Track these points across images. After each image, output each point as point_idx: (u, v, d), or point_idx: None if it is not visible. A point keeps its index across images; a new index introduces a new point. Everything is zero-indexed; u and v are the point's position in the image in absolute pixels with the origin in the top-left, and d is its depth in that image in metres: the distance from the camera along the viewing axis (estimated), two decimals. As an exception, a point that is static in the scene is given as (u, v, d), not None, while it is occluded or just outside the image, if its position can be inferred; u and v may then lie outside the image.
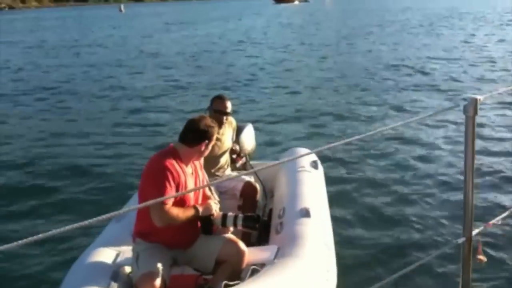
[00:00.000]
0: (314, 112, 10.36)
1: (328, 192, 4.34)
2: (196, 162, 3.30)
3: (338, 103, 11.11)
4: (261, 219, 3.33)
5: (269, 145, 7.97)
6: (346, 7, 62.67)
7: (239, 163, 4.44)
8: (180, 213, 3.04)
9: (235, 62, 18.71)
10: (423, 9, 46.77)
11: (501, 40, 21.20)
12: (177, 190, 2.98)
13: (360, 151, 7.49)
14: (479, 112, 2.04)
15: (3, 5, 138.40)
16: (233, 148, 4.39)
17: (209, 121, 3.22)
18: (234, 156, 4.41)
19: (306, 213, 3.52)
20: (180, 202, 3.10)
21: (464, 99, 2.03)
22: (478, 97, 2.02)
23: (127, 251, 3.29)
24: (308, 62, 17.87)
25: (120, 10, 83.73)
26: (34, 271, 4.59)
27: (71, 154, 8.10)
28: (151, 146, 8.08)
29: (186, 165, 3.14)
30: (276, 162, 4.44)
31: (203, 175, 3.37)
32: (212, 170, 4.12)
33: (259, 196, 4.14)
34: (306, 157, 4.51)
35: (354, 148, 7.52)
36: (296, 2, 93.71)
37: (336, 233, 3.76)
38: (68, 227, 1.42)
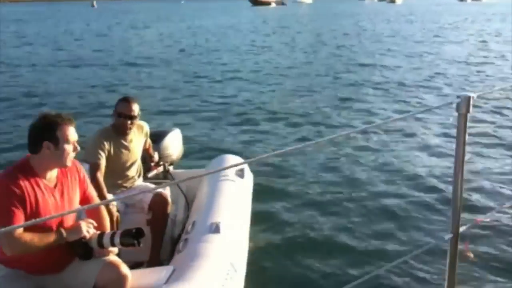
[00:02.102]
0: (272, 115, 9.63)
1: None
2: (72, 170, 2.74)
3: (304, 106, 10.31)
4: (143, 233, 2.78)
5: (207, 151, 7.19)
6: (323, 11, 62.34)
7: (152, 173, 4.01)
8: (36, 239, 2.55)
9: (186, 63, 17.48)
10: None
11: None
12: (30, 210, 2.53)
13: (339, 148, 7.30)
14: (473, 110, 2.01)
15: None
16: (151, 155, 4.01)
17: (46, 116, 2.62)
18: (152, 164, 4.04)
19: (215, 229, 3.14)
20: (38, 224, 2.55)
21: (458, 97, 2.01)
22: (471, 95, 2.01)
23: None
24: (271, 65, 16.71)
25: (93, 6, 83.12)
26: None
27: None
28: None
29: (45, 177, 2.64)
30: (200, 171, 4.07)
31: (81, 186, 2.81)
32: (119, 181, 3.72)
33: (170, 208, 3.74)
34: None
35: (337, 144, 7.32)
36: (273, 5, 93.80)
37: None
38: None
